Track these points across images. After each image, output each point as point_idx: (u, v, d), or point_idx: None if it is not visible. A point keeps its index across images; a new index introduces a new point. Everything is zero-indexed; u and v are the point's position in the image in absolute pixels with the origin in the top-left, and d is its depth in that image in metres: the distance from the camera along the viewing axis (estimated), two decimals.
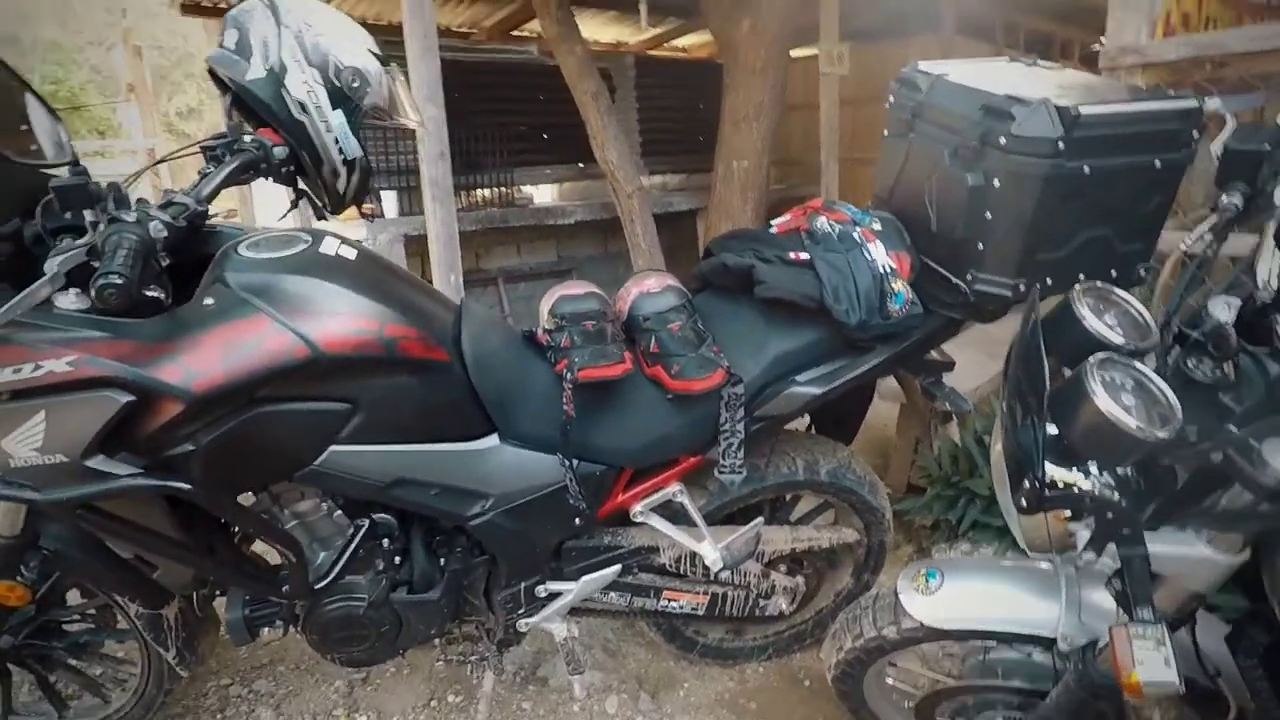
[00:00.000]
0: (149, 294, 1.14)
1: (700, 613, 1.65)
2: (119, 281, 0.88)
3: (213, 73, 1.30)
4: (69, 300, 1.08)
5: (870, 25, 4.56)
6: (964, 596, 1.18)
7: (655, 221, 3.88)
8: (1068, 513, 0.88)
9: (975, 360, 2.54)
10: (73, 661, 1.58)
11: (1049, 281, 1.29)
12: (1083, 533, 0.86)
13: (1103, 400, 0.75)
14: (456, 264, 2.60)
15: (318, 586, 1.32)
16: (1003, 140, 1.19)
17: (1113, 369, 0.79)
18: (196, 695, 1.79)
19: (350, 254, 1.27)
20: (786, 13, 3.73)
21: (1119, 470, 0.84)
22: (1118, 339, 0.86)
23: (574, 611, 1.60)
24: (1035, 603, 1.13)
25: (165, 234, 1.02)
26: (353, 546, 1.33)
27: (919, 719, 1.42)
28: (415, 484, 1.30)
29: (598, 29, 5.15)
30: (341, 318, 1.16)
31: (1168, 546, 0.86)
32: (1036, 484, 0.80)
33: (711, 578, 1.61)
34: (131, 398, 1.03)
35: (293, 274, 1.16)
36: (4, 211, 1.10)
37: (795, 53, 4.13)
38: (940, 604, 1.19)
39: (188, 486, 1.10)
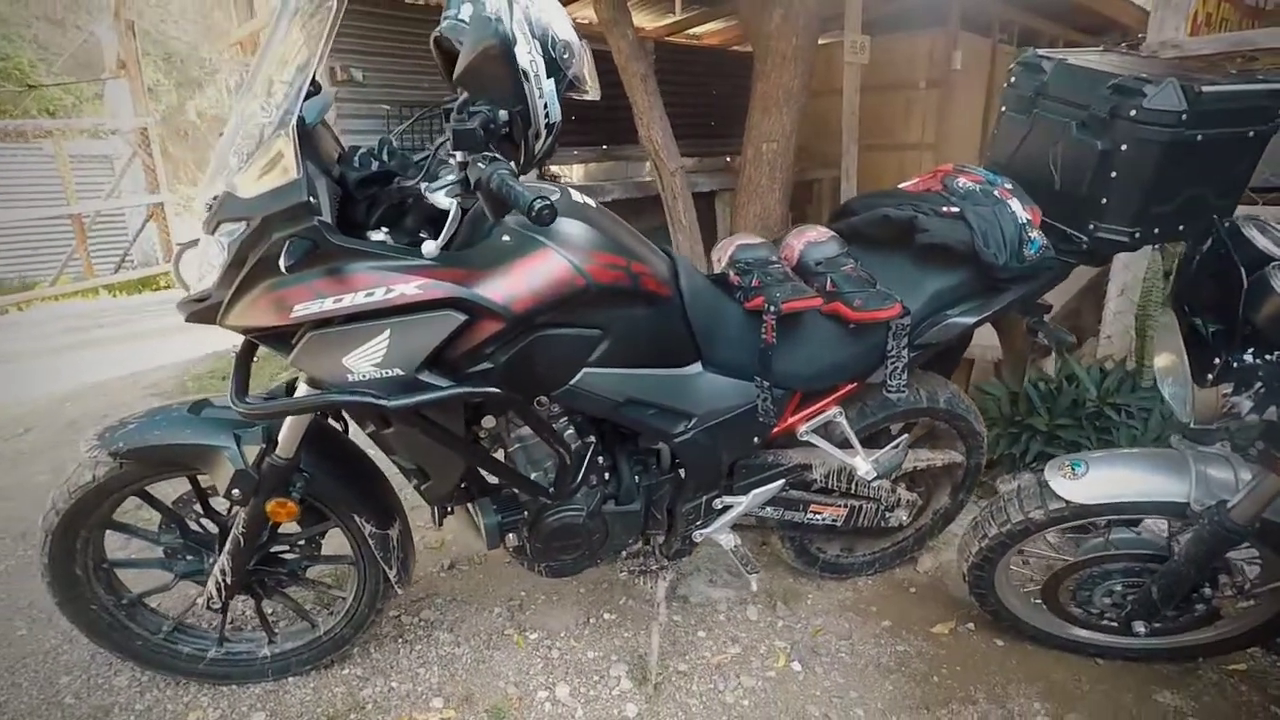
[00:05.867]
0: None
1: (839, 524, 1.91)
2: (550, 202, 1.06)
3: (437, 43, 1.48)
4: (378, 237, 1.27)
5: (881, 19, 4.86)
6: (1109, 478, 1.47)
7: None
8: (1230, 389, 1.16)
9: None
10: (287, 589, 1.73)
11: (1156, 231, 1.59)
12: (1245, 402, 1.14)
13: None
14: None
15: (568, 493, 1.52)
16: (1133, 112, 1.47)
17: None
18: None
19: (592, 203, 1.47)
20: (816, 4, 4.00)
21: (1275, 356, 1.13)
22: (1279, 252, 1.14)
23: (734, 527, 1.83)
24: (1167, 479, 1.42)
25: None
26: (586, 461, 1.53)
27: (1046, 602, 1.71)
28: (641, 404, 1.51)
29: None
30: (602, 254, 1.35)
31: None
32: (1229, 362, 1.08)
33: (852, 492, 1.87)
34: (465, 317, 1.22)
35: (563, 216, 1.35)
36: (326, 158, 1.27)
37: None
38: (1088, 486, 1.47)
39: (500, 391, 1.29)
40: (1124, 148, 1.51)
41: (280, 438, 1.42)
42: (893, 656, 1.85)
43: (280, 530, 1.66)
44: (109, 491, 1.50)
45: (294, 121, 1.11)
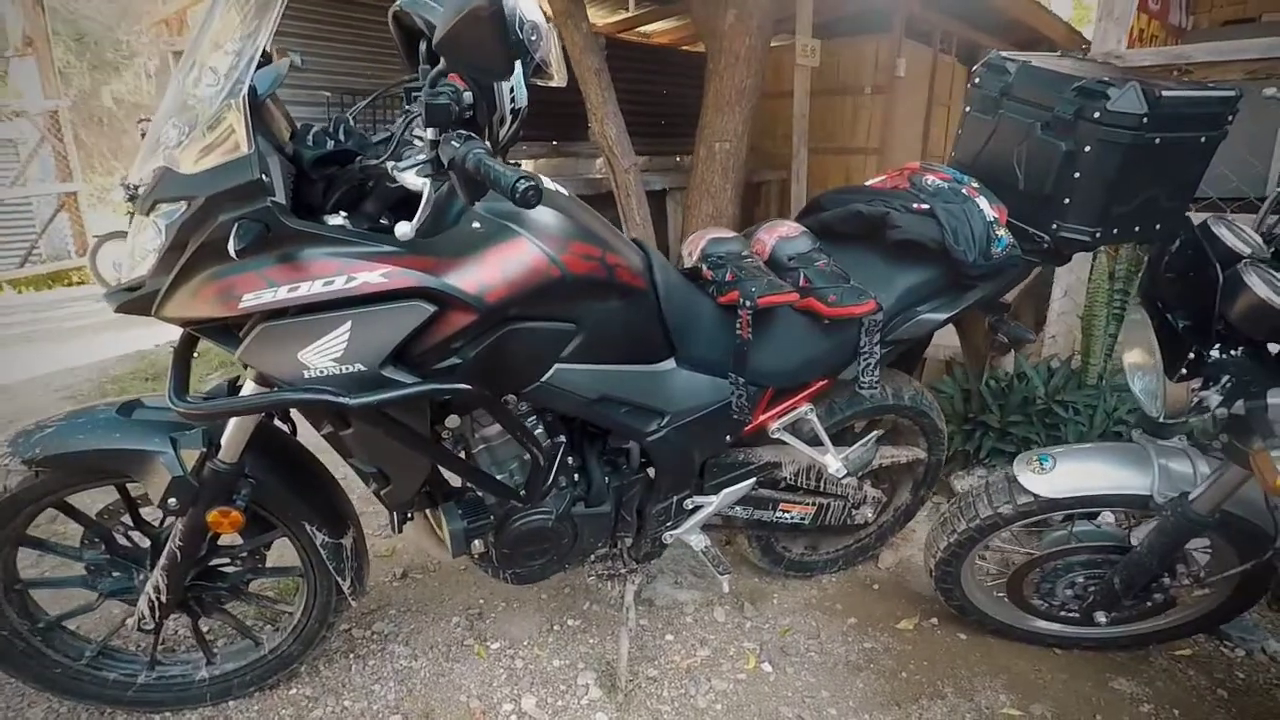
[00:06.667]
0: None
1: (806, 522, 1.89)
2: (535, 182, 0.98)
3: (396, 19, 1.39)
4: (336, 221, 1.17)
5: (828, 23, 4.94)
6: (1075, 472, 1.49)
7: None
8: (1197, 384, 1.19)
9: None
10: (227, 605, 1.60)
11: (1115, 231, 1.62)
12: (1214, 397, 1.17)
13: (1260, 288, 1.06)
14: None
15: (540, 495, 1.45)
16: (1096, 114, 1.50)
17: (1258, 269, 1.10)
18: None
19: (565, 191, 1.40)
20: (768, 5, 4.02)
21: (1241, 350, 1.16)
22: (1247, 250, 1.17)
23: (704, 527, 1.79)
24: (1130, 472, 1.45)
25: None
26: (556, 461, 1.46)
27: (1010, 596, 1.73)
28: (613, 401, 1.45)
29: None
30: (577, 243, 1.29)
31: None
32: (1203, 356, 1.10)
33: (821, 490, 1.86)
34: (434, 308, 1.14)
35: (543, 205, 1.28)
36: (278, 135, 1.17)
37: None
38: (1055, 479, 1.49)
39: (470, 387, 1.21)
40: (1087, 149, 1.53)
41: (223, 441, 1.30)
42: (861, 654, 1.85)
43: (220, 542, 1.54)
44: (23, 504, 1.35)
45: (245, 91, 1.01)
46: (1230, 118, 1.56)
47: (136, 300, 1.16)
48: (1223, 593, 1.60)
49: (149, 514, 1.47)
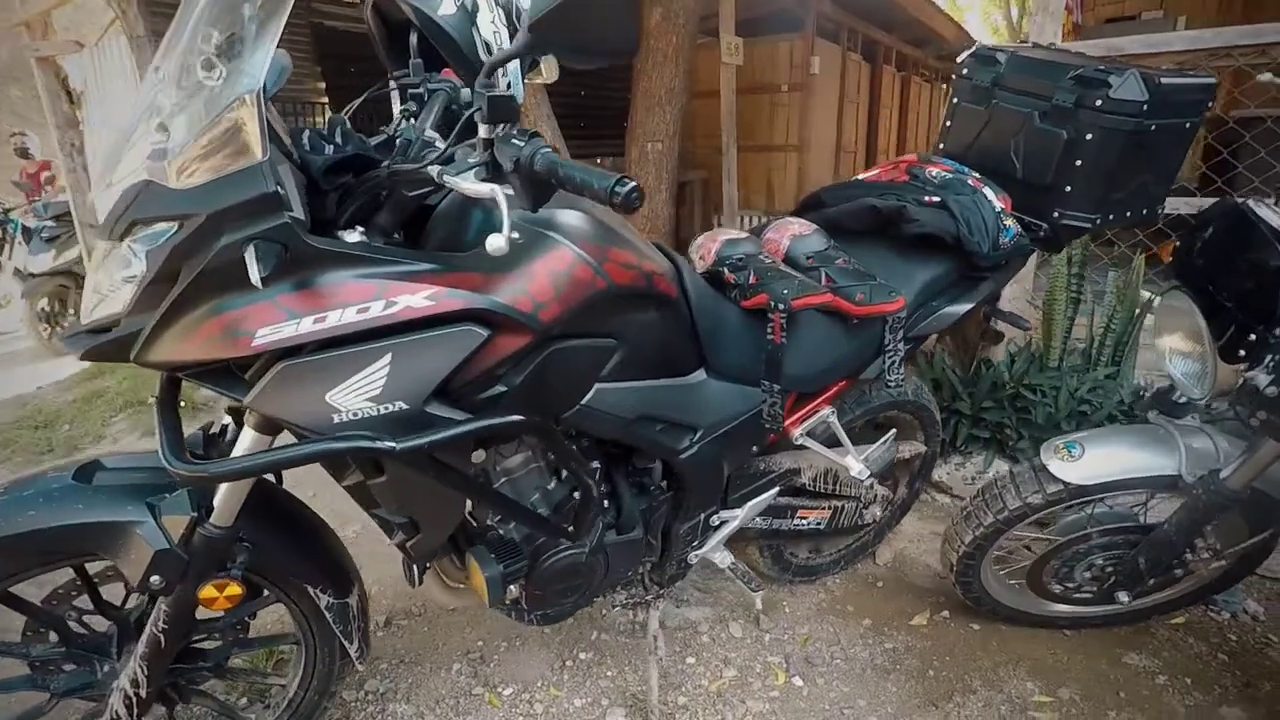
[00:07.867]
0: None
1: (822, 526, 1.85)
2: (636, 182, 0.85)
3: (376, 10, 1.24)
4: (354, 238, 1.01)
5: (745, 23, 4.97)
6: (1104, 458, 1.50)
7: None
8: (1244, 366, 1.22)
9: None
10: (205, 685, 1.38)
11: (1110, 217, 1.67)
12: (1262, 376, 1.19)
13: None
14: None
15: (588, 528, 1.32)
16: (1098, 102, 1.52)
17: None
18: None
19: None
20: (693, 3, 3.99)
21: None
22: None
23: (726, 544, 1.71)
24: (1157, 454, 1.48)
25: None
26: (597, 490, 1.34)
27: (1031, 588, 1.75)
28: (651, 420, 1.34)
29: None
30: (615, 250, 1.17)
31: None
32: (1267, 337, 1.12)
33: (836, 493, 1.81)
34: (488, 332, 0.99)
35: (569, 208, 1.16)
36: (284, 143, 0.99)
37: None
38: (1086, 466, 1.50)
39: (524, 419, 1.07)
40: (1089, 137, 1.56)
41: (217, 502, 1.10)
42: (885, 656, 1.82)
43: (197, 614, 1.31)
44: None
45: (259, 87, 0.83)
46: (1210, 104, 1.63)
47: (108, 344, 0.95)
48: (1229, 564, 1.67)
49: (109, 592, 1.24)
